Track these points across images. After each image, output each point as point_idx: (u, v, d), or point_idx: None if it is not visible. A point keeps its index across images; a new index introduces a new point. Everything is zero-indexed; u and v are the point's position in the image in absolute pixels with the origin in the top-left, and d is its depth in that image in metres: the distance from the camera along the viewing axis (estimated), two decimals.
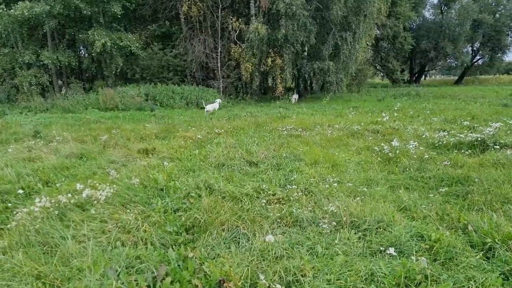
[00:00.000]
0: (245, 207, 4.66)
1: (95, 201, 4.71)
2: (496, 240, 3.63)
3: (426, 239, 3.79)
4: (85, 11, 19.08)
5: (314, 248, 3.68)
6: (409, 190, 5.54)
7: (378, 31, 27.99)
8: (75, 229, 4.09)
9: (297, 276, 3.11)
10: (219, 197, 5.06)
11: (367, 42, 26.30)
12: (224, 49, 22.06)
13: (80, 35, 20.45)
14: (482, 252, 3.52)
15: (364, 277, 3.08)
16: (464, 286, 3.00)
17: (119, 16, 20.67)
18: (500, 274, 3.15)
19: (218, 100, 18.06)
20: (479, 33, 47.16)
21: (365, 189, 5.38)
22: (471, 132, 8.65)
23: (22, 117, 14.99)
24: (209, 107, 16.98)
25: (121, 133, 10.31)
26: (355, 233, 3.92)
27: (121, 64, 21.02)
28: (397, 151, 7.11)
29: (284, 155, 7.45)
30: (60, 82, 21.82)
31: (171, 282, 3.10)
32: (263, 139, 9.60)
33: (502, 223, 3.96)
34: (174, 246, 3.88)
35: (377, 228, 4.07)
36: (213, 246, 3.82)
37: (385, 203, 4.76)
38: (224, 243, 3.89)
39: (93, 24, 20.49)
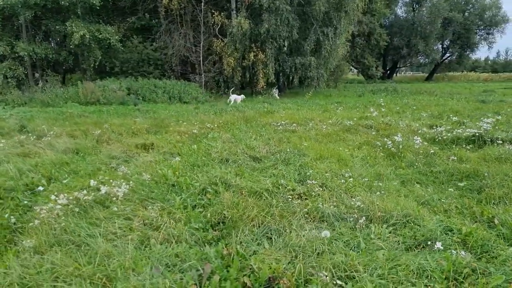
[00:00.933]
0: (269, 203, 4.61)
1: (114, 198, 4.57)
2: None
3: (456, 233, 3.85)
4: (62, 2, 18.46)
5: (350, 243, 3.68)
6: (421, 184, 5.62)
7: (353, 28, 28.21)
8: (100, 227, 3.96)
9: (347, 272, 3.10)
10: (238, 192, 5.01)
11: (346, 38, 26.55)
12: (206, 43, 21.81)
13: (57, 27, 19.75)
14: None
15: (414, 272, 3.09)
16: None
17: (98, 7, 20.11)
18: None
19: (242, 96, 19.04)
20: (449, 31, 48.38)
21: (380, 183, 5.42)
22: (463, 128, 8.89)
23: None
24: (238, 98, 18.42)
25: (111, 128, 10.05)
26: (386, 228, 3.94)
27: (100, 57, 20.49)
28: (401, 146, 7.20)
29: (288, 150, 7.42)
30: (37, 75, 21.09)
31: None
32: (259, 134, 9.56)
33: None
34: (205, 243, 3.82)
35: (404, 223, 4.11)
36: (247, 243, 3.77)
37: (404, 198, 4.81)
38: (257, 240, 3.85)
39: (70, 15, 19.84)
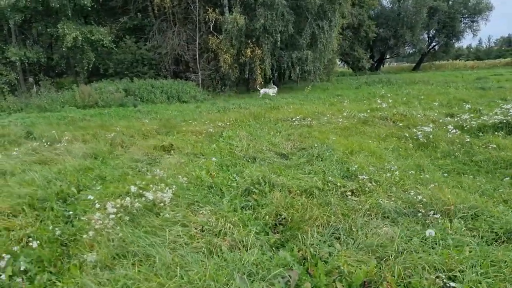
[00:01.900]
0: (325, 201, 4.41)
1: (161, 204, 4.32)
2: None
3: None
4: (53, 4, 17.95)
5: (426, 240, 3.50)
6: (465, 175, 5.47)
7: (345, 20, 28.12)
8: (157, 235, 3.72)
9: (445, 272, 2.91)
10: (286, 191, 4.80)
11: (338, 30, 26.44)
12: (201, 40, 21.47)
13: (48, 30, 19.21)
14: None
15: None
16: None
17: (89, 8, 19.63)
18: None
19: (275, 89, 20.49)
20: (435, 20, 48.60)
21: (427, 175, 5.26)
22: (481, 115, 8.82)
23: None
24: (269, 91, 19.71)
25: (122, 131, 9.74)
26: (459, 222, 3.77)
27: (93, 59, 20.01)
28: (431, 136, 7.06)
29: (316, 145, 7.23)
30: (30, 79, 20.51)
31: None
32: (276, 130, 9.35)
33: None
34: (272, 248, 3.62)
35: (472, 215, 3.95)
36: (317, 245, 3.57)
37: (460, 190, 4.66)
38: (326, 241, 3.65)
39: (61, 17, 19.30)
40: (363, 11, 36.85)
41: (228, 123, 10.57)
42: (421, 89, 19.27)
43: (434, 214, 3.91)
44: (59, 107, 15.68)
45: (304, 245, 3.58)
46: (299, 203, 4.33)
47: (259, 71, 20.94)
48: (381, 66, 58.95)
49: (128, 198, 4.33)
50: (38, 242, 3.59)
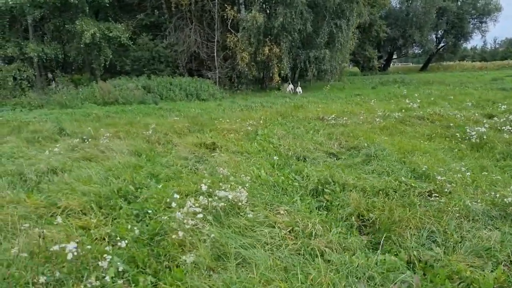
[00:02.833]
0: (408, 202, 4.27)
1: (239, 203, 4.18)
2: None
3: None
4: (71, 0, 17.81)
5: None
6: None
7: (360, 19, 27.92)
8: (246, 236, 3.58)
9: None
10: (360, 191, 4.66)
11: (352, 31, 26.26)
12: (220, 38, 21.30)
13: (66, 26, 19.06)
14: None
15: None
16: None
17: (107, 5, 19.49)
18: None
19: (299, 89, 20.61)
20: (443, 21, 48.38)
21: (499, 177, 5.12)
22: None
23: (17, 113, 13.80)
24: (297, 89, 20.33)
25: (156, 128, 9.59)
26: None
27: (111, 56, 19.85)
28: (485, 137, 6.91)
29: (366, 144, 7.08)
30: (50, 75, 20.33)
31: None
32: (313, 129, 9.22)
33: None
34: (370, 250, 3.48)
35: None
36: (416, 248, 3.42)
37: None
38: (423, 244, 3.51)
39: (78, 14, 19.14)
40: (375, 11, 36.63)
41: (260, 121, 10.42)
42: (441, 89, 19.12)
43: None
44: (79, 104, 15.51)
45: (402, 248, 3.44)
46: (381, 204, 4.18)
47: (276, 70, 20.76)
48: (389, 66, 58.81)
49: (201, 197, 4.19)
50: (126, 241, 3.44)
